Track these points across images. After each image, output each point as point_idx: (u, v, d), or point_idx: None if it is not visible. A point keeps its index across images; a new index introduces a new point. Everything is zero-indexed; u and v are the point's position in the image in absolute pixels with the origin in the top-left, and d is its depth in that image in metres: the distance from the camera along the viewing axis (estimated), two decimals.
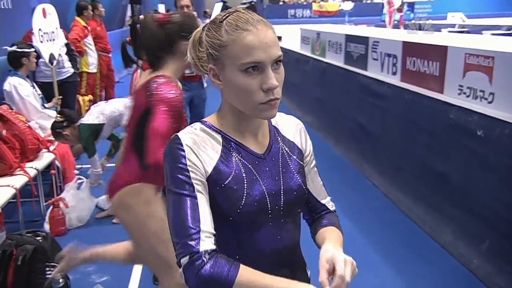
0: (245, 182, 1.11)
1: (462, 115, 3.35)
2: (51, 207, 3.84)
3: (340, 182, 4.50)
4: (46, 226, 3.80)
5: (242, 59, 1.05)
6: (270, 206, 1.13)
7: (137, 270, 3.32)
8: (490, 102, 3.18)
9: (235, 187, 1.10)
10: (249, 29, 1.06)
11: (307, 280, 1.26)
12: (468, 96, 3.40)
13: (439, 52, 3.78)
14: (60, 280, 2.79)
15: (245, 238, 1.13)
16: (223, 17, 1.09)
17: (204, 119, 1.18)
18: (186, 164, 1.07)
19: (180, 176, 1.07)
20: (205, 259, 1.00)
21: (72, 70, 6.01)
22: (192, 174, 1.07)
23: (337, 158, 5.53)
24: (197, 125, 1.16)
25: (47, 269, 2.77)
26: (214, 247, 1.03)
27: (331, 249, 1.08)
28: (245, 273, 1.02)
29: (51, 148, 4.19)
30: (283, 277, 1.15)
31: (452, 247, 3.45)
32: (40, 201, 4.01)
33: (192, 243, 1.02)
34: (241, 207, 1.09)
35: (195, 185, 1.06)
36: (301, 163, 1.24)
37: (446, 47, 3.72)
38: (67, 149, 4.44)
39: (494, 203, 3.03)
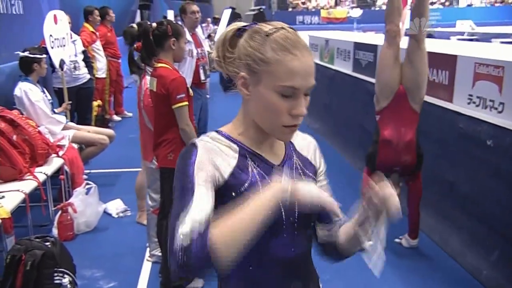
0: (261, 191, 1.09)
1: (471, 124, 3.33)
2: (59, 212, 3.87)
3: (348, 189, 4.47)
4: (55, 231, 3.82)
5: (282, 81, 1.05)
6: (284, 216, 1.13)
7: (144, 276, 3.33)
8: (500, 112, 3.16)
9: (250, 195, 1.09)
10: (296, 54, 1.06)
11: None
12: (477, 106, 3.39)
13: (449, 61, 3.78)
14: (68, 286, 2.79)
15: (258, 249, 1.11)
16: (270, 32, 1.08)
17: (220, 129, 1.18)
18: (194, 161, 1.06)
19: (185, 172, 1.06)
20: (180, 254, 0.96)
21: (88, 76, 6.09)
22: (196, 170, 1.05)
23: (345, 165, 5.52)
24: (213, 134, 1.16)
25: (56, 274, 2.77)
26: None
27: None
28: (217, 228, 0.98)
29: (60, 153, 4.22)
30: None
31: (460, 256, 3.42)
32: (49, 206, 4.03)
33: (175, 227, 0.99)
34: None
35: (195, 180, 1.04)
36: (314, 177, 1.25)
37: (455, 56, 3.72)
38: (76, 154, 4.47)
39: (504, 212, 3.01)
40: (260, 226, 0.99)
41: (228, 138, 1.15)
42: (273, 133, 1.13)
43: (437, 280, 3.24)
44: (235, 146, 1.14)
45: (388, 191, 1.06)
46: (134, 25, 3.54)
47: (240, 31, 1.14)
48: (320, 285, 1.28)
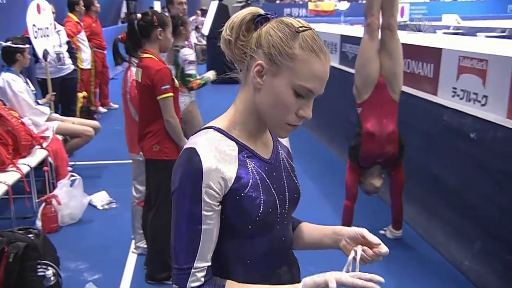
0: (261, 190, 1.11)
1: (455, 117, 3.36)
2: (43, 204, 3.83)
3: (334, 183, 4.51)
4: (38, 223, 3.79)
5: (302, 80, 1.04)
6: (279, 210, 1.15)
7: (129, 268, 3.32)
8: (483, 105, 3.19)
9: (253, 195, 1.09)
10: (321, 58, 1.05)
11: (299, 276, 1.29)
12: (461, 99, 3.42)
13: (434, 54, 3.80)
14: (52, 278, 2.77)
15: (255, 244, 1.14)
16: (300, 28, 1.06)
17: (214, 124, 1.14)
18: (200, 193, 1.04)
19: (190, 205, 1.05)
20: None
21: (72, 67, 6.03)
22: (203, 204, 1.05)
23: (332, 158, 5.54)
24: (211, 133, 1.11)
25: (39, 266, 2.75)
26: (202, 281, 1.07)
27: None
28: None
29: (44, 144, 4.18)
30: (283, 273, 1.21)
31: (443, 248, 3.47)
32: (33, 198, 4.00)
33: (183, 277, 1.06)
34: (260, 214, 1.10)
35: (203, 216, 1.05)
36: (293, 166, 1.28)
37: (440, 49, 3.74)
38: (60, 146, 4.43)
39: (486, 204, 3.05)
40: None
41: (225, 134, 1.12)
42: (273, 127, 1.12)
43: (420, 270, 3.28)
44: (233, 143, 1.12)
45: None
46: None
47: (260, 18, 1.09)
48: (300, 269, 1.32)
